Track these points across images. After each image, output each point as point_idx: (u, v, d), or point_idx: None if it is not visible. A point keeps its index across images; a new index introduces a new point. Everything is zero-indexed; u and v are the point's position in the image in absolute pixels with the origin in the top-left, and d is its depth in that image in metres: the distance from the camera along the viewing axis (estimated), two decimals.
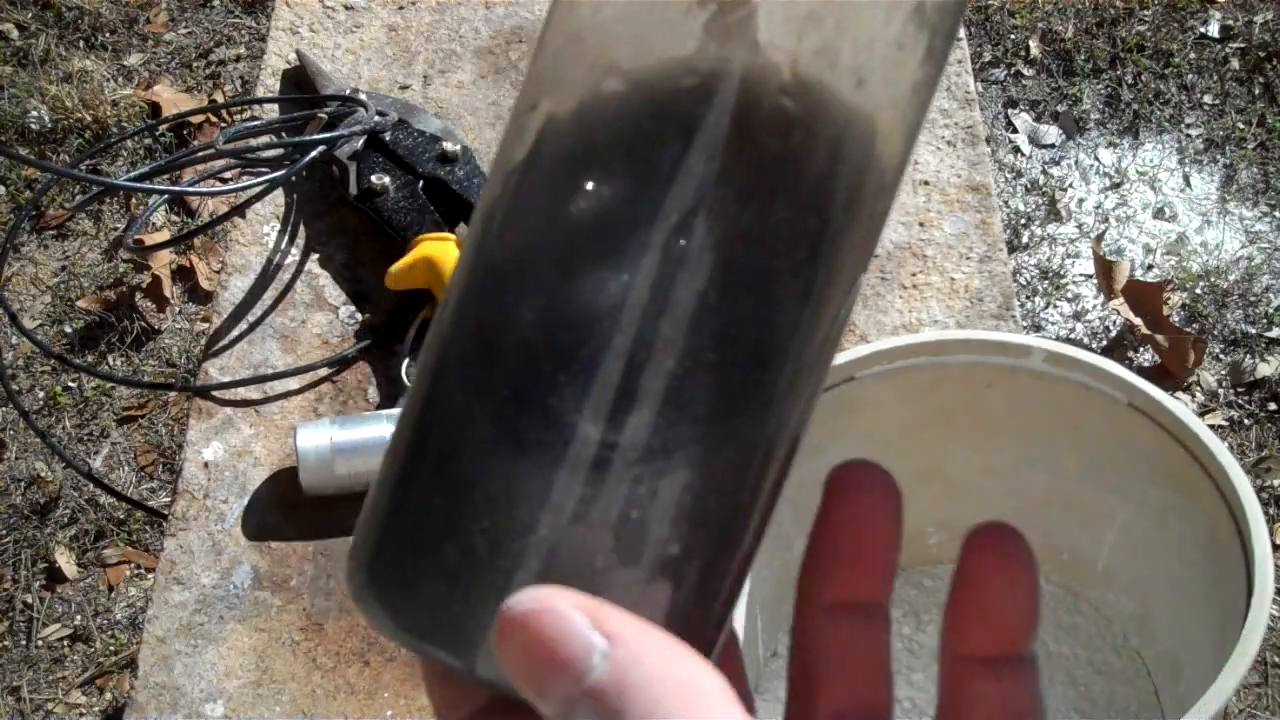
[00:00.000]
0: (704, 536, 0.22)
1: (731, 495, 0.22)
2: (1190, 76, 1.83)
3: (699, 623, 0.22)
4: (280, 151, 0.87)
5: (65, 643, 1.41)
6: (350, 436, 0.73)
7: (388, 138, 0.85)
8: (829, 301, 0.22)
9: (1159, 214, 1.72)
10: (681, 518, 0.21)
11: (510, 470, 0.21)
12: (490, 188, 0.23)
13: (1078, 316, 1.63)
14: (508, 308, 0.22)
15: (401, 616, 0.22)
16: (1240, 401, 1.55)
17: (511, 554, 0.21)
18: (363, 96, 0.87)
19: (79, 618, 1.43)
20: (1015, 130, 1.81)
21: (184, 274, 1.68)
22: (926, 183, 0.87)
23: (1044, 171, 1.76)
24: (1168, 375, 1.55)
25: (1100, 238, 1.67)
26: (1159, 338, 1.56)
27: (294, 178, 0.85)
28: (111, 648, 1.40)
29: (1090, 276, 1.65)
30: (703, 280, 0.21)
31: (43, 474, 1.52)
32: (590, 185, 0.22)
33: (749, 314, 0.22)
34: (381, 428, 0.73)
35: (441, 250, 0.79)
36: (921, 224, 0.85)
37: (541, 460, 0.21)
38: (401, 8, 0.97)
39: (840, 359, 0.57)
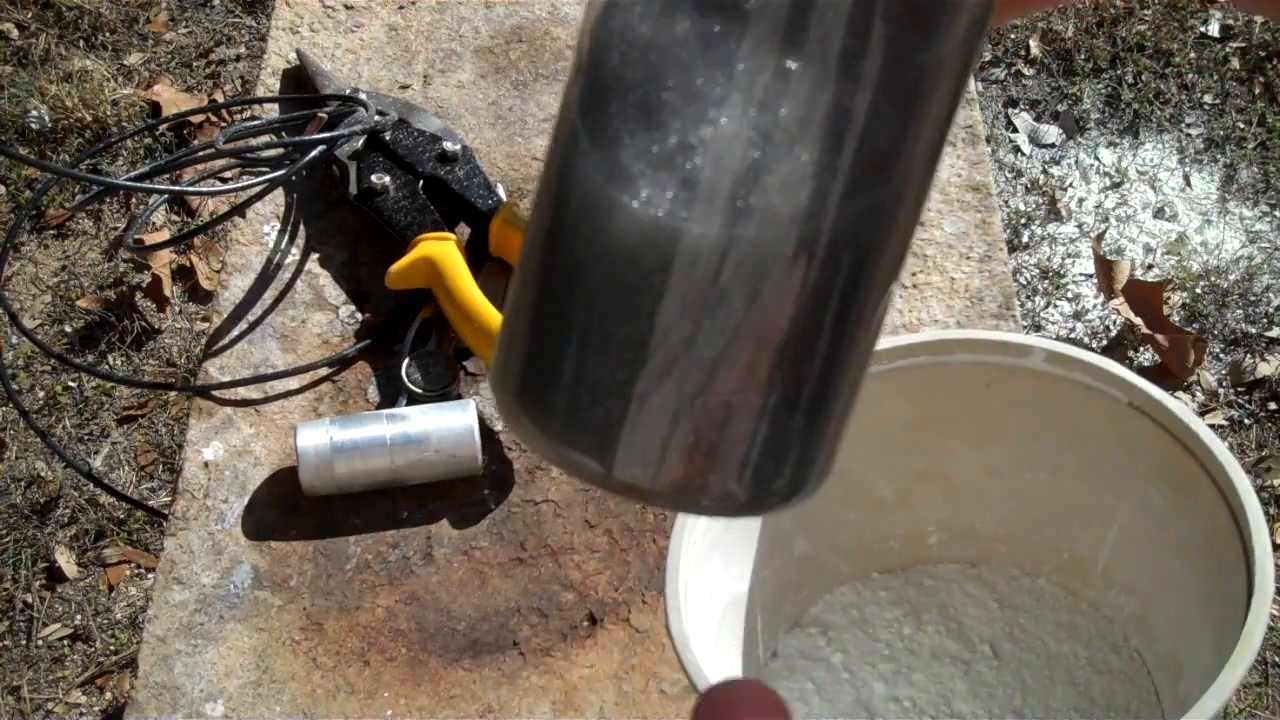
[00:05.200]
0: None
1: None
2: (1190, 76, 1.83)
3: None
4: (280, 151, 0.87)
5: (65, 642, 1.41)
6: (350, 436, 0.73)
7: (388, 137, 0.85)
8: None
9: (1159, 214, 1.72)
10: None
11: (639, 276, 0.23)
12: None
13: (1078, 316, 1.63)
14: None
15: (549, 428, 0.24)
16: (1240, 401, 1.55)
17: (642, 358, 0.23)
18: (363, 96, 0.87)
19: (79, 617, 1.43)
20: (1015, 130, 1.81)
21: (184, 274, 1.68)
22: None
23: (1044, 171, 1.76)
24: (1168, 375, 1.55)
25: (1100, 237, 1.67)
26: (1159, 337, 1.56)
27: (294, 177, 0.85)
28: (111, 647, 1.40)
29: (1090, 276, 1.65)
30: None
31: (43, 474, 1.52)
32: None
33: None
34: (381, 427, 0.73)
35: (441, 250, 0.79)
36: (921, 223, 0.85)
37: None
38: (401, 7, 0.97)
39: None
